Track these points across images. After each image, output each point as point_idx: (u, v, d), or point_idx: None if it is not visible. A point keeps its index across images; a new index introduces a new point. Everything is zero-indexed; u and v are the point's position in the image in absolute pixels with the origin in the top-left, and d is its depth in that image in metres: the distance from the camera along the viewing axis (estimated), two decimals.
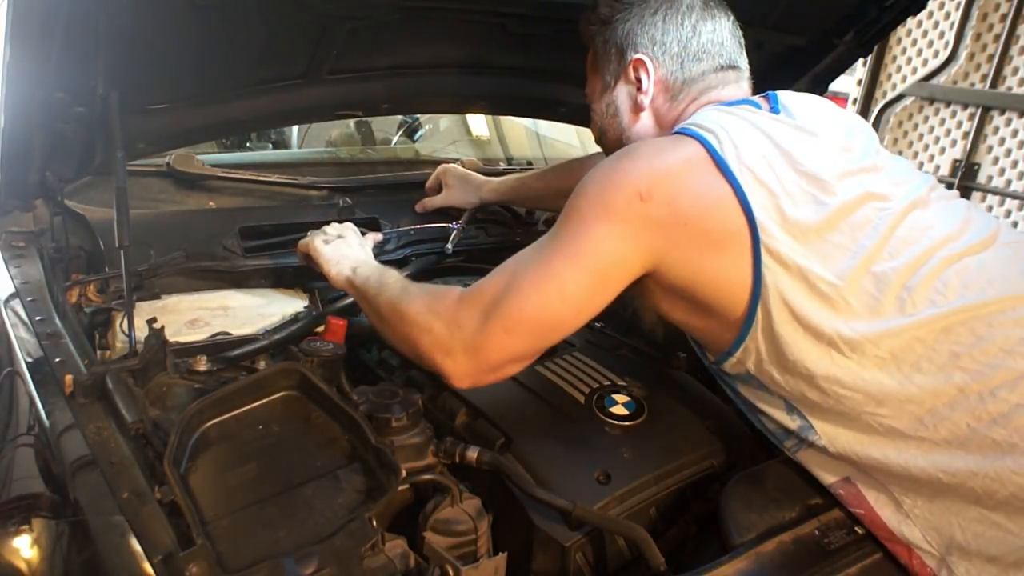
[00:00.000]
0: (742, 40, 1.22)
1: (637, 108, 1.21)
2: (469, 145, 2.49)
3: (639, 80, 1.19)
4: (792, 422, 1.04)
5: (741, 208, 0.97)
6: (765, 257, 0.97)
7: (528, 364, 1.09)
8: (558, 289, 1.01)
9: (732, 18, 1.21)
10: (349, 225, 1.40)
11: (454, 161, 2.01)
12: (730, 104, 1.12)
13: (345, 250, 1.31)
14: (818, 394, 0.98)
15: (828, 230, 0.98)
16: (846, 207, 1.00)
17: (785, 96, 1.15)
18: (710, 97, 1.16)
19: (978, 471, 0.89)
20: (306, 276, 1.54)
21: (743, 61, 1.22)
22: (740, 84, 1.20)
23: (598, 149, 1.48)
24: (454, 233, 1.71)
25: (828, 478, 1.03)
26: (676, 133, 1.07)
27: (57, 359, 1.06)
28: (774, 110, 1.12)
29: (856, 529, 1.00)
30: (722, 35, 1.18)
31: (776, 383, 1.02)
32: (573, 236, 1.02)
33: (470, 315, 1.03)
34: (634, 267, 1.02)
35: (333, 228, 1.38)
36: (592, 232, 1.01)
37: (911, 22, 3.68)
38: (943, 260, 0.98)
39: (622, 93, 1.22)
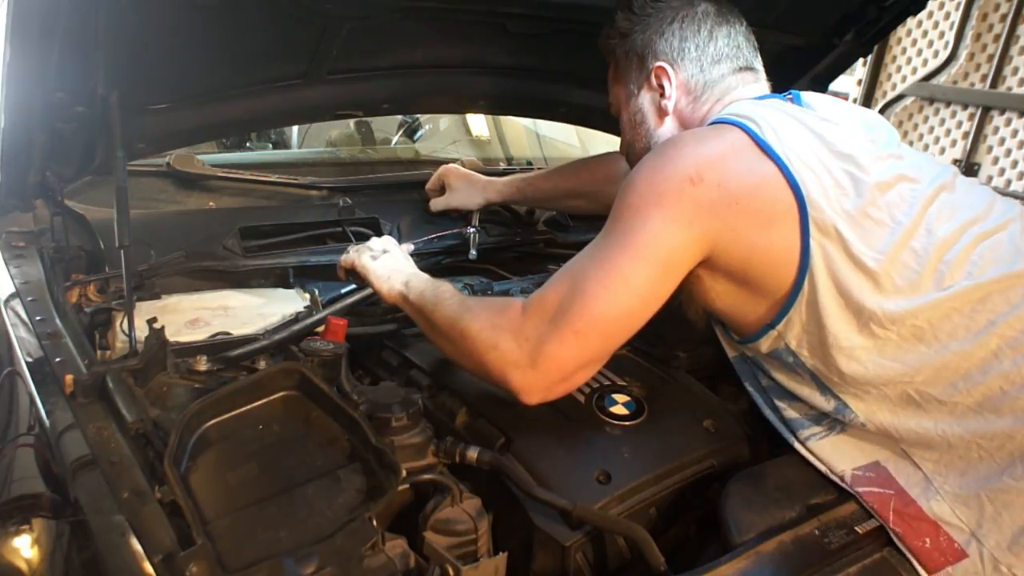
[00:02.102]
0: (756, 44, 1.27)
1: (662, 113, 1.25)
2: (469, 145, 2.49)
3: (662, 86, 1.23)
4: (827, 403, 1.06)
5: (788, 185, 1.01)
6: (813, 231, 1.01)
7: (594, 370, 1.09)
8: (624, 283, 1.02)
9: (745, 24, 1.26)
10: (389, 239, 1.38)
11: (454, 161, 2.01)
12: (758, 98, 1.17)
13: (394, 264, 1.30)
14: (856, 366, 1.01)
15: (868, 206, 1.03)
16: (881, 185, 1.05)
17: (806, 95, 1.20)
18: (733, 97, 1.21)
19: (1014, 433, 0.94)
20: (306, 276, 1.54)
21: (759, 63, 1.27)
22: (759, 84, 1.25)
23: (599, 149, 1.49)
24: (472, 236, 1.72)
25: (858, 461, 1.05)
26: (714, 123, 1.11)
27: (57, 359, 1.06)
28: (796, 103, 1.17)
29: (856, 529, 1.00)
30: (737, 40, 1.23)
31: (814, 357, 1.05)
32: (630, 230, 1.03)
33: (536, 325, 1.03)
34: (693, 253, 1.04)
35: (376, 243, 1.36)
36: (649, 223, 1.02)
37: (911, 22, 3.68)
38: (976, 236, 1.04)
39: (646, 100, 1.26)
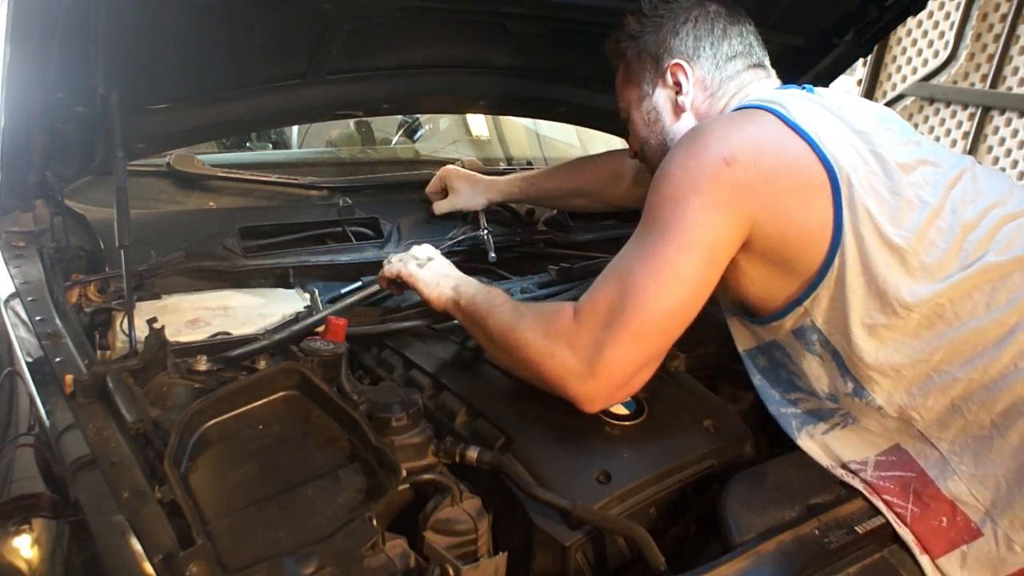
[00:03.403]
0: (763, 44, 1.29)
1: (678, 109, 1.26)
2: (469, 145, 2.49)
3: (678, 83, 1.25)
4: (845, 386, 1.07)
5: (820, 163, 1.03)
6: (845, 208, 1.02)
7: (654, 368, 1.09)
8: (674, 276, 1.02)
9: (752, 23, 1.28)
10: (429, 247, 1.39)
11: (454, 161, 2.01)
12: (776, 90, 1.19)
13: (442, 270, 1.30)
14: (878, 344, 1.03)
15: (897, 185, 1.04)
16: (906, 167, 1.07)
17: (818, 89, 1.21)
18: (749, 91, 1.23)
19: None
20: (306, 276, 1.54)
21: (768, 61, 1.29)
22: (771, 80, 1.27)
23: (599, 149, 1.49)
24: (485, 237, 1.73)
25: (880, 447, 1.06)
26: (739, 109, 1.13)
27: (57, 359, 1.06)
28: (810, 93, 1.19)
29: (856, 529, 1.00)
30: (749, 39, 1.27)
31: (837, 334, 1.06)
32: (671, 219, 1.03)
33: (591, 331, 1.03)
34: (736, 235, 1.05)
35: (420, 251, 1.36)
36: (689, 211, 1.03)
37: (911, 22, 3.68)
38: (1000, 218, 1.06)
39: (661, 98, 1.28)
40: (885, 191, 1.04)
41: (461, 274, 1.30)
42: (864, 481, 1.06)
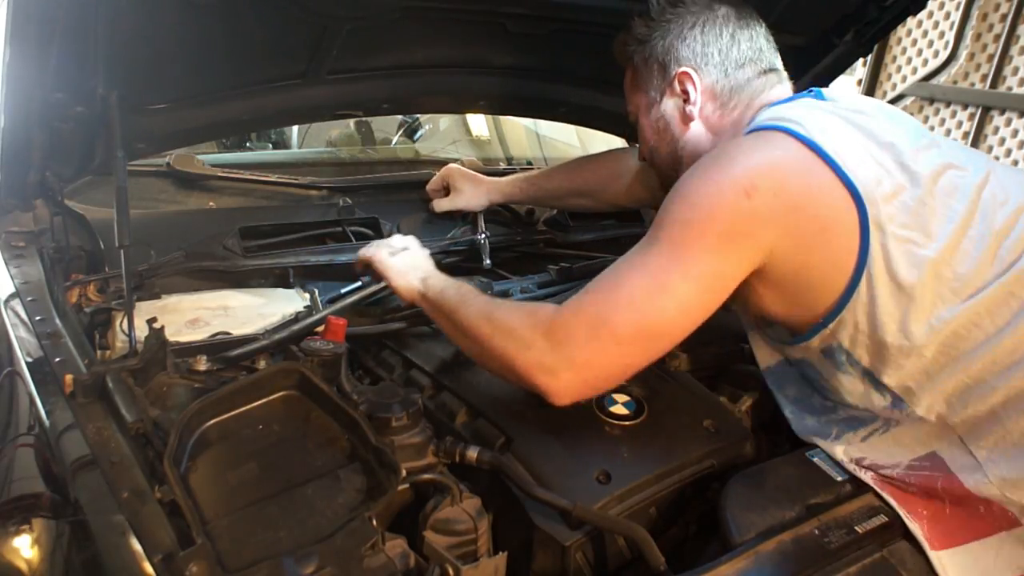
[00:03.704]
0: (775, 45, 1.26)
1: (687, 118, 1.23)
2: (469, 145, 2.49)
3: (686, 92, 1.22)
4: (883, 399, 1.06)
5: (844, 186, 1.00)
6: (872, 229, 0.99)
7: (626, 378, 1.08)
8: (672, 299, 1.00)
9: (764, 25, 1.24)
10: (411, 238, 1.38)
11: (454, 161, 2.01)
12: (784, 101, 1.15)
13: (412, 261, 1.30)
14: (915, 361, 1.01)
15: (926, 195, 1.02)
16: (933, 175, 1.04)
17: (827, 91, 1.18)
18: (761, 101, 1.19)
19: None
20: (306, 276, 1.54)
21: (780, 63, 1.25)
22: (783, 85, 1.23)
23: (599, 149, 1.49)
24: (483, 241, 1.73)
25: (916, 452, 1.05)
26: (755, 130, 1.09)
27: (57, 359, 1.06)
28: (820, 99, 1.16)
29: (856, 529, 1.00)
30: (759, 42, 1.22)
31: (869, 355, 1.04)
32: (682, 245, 1.01)
33: (575, 330, 1.01)
34: (746, 267, 1.02)
35: (398, 240, 1.36)
36: (702, 239, 1.00)
37: (911, 22, 3.68)
38: None
39: (669, 106, 1.25)
40: (915, 203, 1.01)
41: (433, 268, 1.29)
42: (879, 476, 1.07)
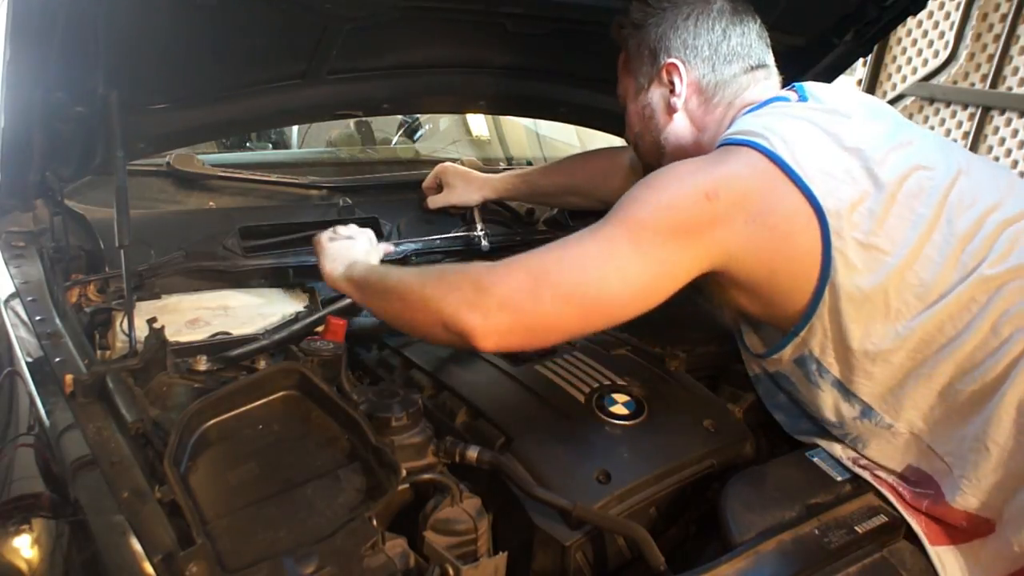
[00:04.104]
0: (768, 41, 1.26)
1: (671, 110, 1.25)
2: (469, 145, 2.49)
3: (672, 83, 1.23)
4: (852, 409, 1.07)
5: (805, 198, 1.00)
6: (834, 239, 1.00)
7: (551, 341, 1.06)
8: (619, 272, 0.99)
9: (759, 22, 1.25)
10: (367, 232, 1.38)
11: (454, 161, 2.01)
12: (760, 106, 1.16)
13: (346, 251, 1.29)
14: (881, 367, 1.02)
15: (889, 201, 1.02)
16: (899, 178, 1.04)
17: (810, 86, 1.19)
18: (744, 100, 1.20)
19: None
20: (306, 276, 1.54)
21: (771, 59, 1.26)
22: (770, 81, 1.24)
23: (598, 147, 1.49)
24: (480, 235, 1.73)
25: (902, 464, 1.07)
26: (722, 146, 1.09)
27: (57, 359, 1.06)
28: (802, 99, 1.16)
29: (856, 529, 1.01)
30: (750, 38, 1.23)
31: (838, 362, 1.05)
32: (641, 224, 1.01)
33: (511, 275, 0.99)
34: (699, 264, 1.03)
35: (349, 229, 1.36)
36: (661, 224, 1.00)
37: (911, 22, 3.68)
38: (998, 224, 1.03)
39: (656, 95, 1.26)
40: (879, 209, 1.01)
41: (368, 260, 1.28)
42: (876, 476, 1.07)
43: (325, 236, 1.34)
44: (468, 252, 1.73)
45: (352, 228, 1.38)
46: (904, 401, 1.03)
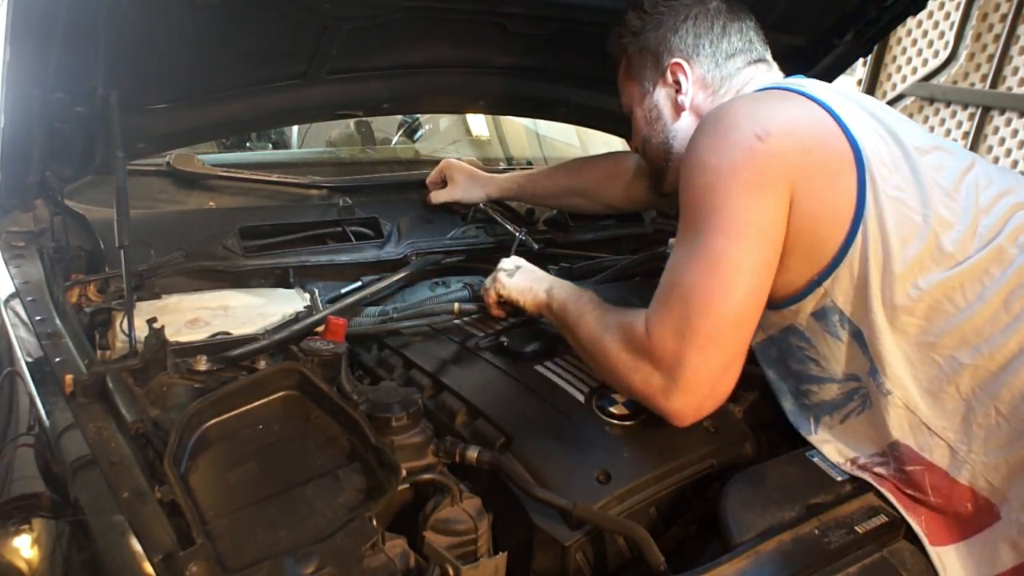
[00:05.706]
0: (765, 39, 1.29)
1: (678, 108, 1.27)
2: (469, 145, 2.49)
3: (678, 82, 1.25)
4: (865, 365, 1.06)
5: (846, 139, 1.02)
6: (869, 185, 1.01)
7: (739, 368, 1.06)
8: (732, 266, 1.00)
9: (754, 20, 1.28)
10: (514, 257, 1.41)
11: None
12: (768, 88, 1.18)
13: (532, 276, 1.33)
14: (892, 324, 1.02)
15: (917, 164, 1.04)
16: (921, 149, 1.06)
17: (820, 83, 1.20)
18: (752, 86, 1.22)
19: None
20: (306, 276, 1.54)
21: (769, 56, 1.29)
22: (773, 73, 1.27)
23: (599, 149, 1.50)
24: (524, 237, 1.71)
25: (886, 440, 1.06)
26: (758, 91, 1.13)
27: (57, 359, 1.06)
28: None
29: (856, 529, 1.00)
30: (749, 34, 1.26)
31: (857, 314, 1.05)
32: (715, 210, 1.01)
33: (665, 344, 1.02)
34: (783, 209, 1.02)
35: (507, 263, 1.38)
36: (731, 196, 1.01)
37: (911, 22, 3.68)
38: (1012, 206, 1.05)
39: (661, 96, 1.28)
40: (906, 169, 1.03)
41: (551, 277, 1.32)
42: (875, 475, 1.07)
43: (503, 277, 1.35)
44: (472, 255, 1.73)
45: (507, 260, 1.39)
46: (906, 368, 1.03)
